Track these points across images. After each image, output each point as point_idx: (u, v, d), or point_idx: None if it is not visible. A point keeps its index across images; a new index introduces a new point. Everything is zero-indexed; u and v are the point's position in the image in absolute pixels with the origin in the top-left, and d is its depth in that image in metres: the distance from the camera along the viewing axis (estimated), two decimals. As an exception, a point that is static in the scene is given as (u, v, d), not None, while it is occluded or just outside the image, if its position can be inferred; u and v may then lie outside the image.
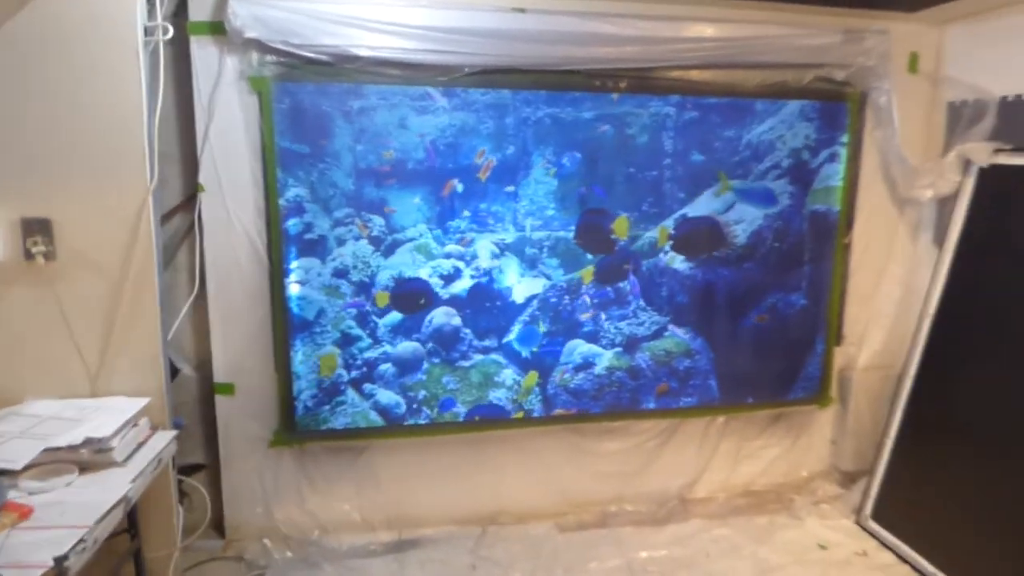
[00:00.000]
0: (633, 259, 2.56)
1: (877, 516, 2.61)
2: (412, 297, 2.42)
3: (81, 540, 1.28)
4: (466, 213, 2.41)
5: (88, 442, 1.52)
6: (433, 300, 2.44)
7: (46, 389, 1.74)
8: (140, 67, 1.67)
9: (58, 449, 1.50)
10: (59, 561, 1.21)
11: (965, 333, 2.42)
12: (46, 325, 1.72)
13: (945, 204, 2.61)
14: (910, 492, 2.52)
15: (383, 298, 2.40)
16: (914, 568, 2.39)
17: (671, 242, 2.58)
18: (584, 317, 2.55)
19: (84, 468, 1.54)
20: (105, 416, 1.64)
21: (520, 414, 2.57)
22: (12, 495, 1.39)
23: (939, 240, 2.59)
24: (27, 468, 1.46)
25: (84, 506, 1.40)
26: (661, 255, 2.58)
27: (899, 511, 2.54)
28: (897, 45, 2.57)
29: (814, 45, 2.48)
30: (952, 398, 2.42)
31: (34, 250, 1.66)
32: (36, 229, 1.66)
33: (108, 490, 1.47)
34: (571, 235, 2.49)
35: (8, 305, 1.70)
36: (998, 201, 2.37)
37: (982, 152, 2.39)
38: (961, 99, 2.56)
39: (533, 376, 2.56)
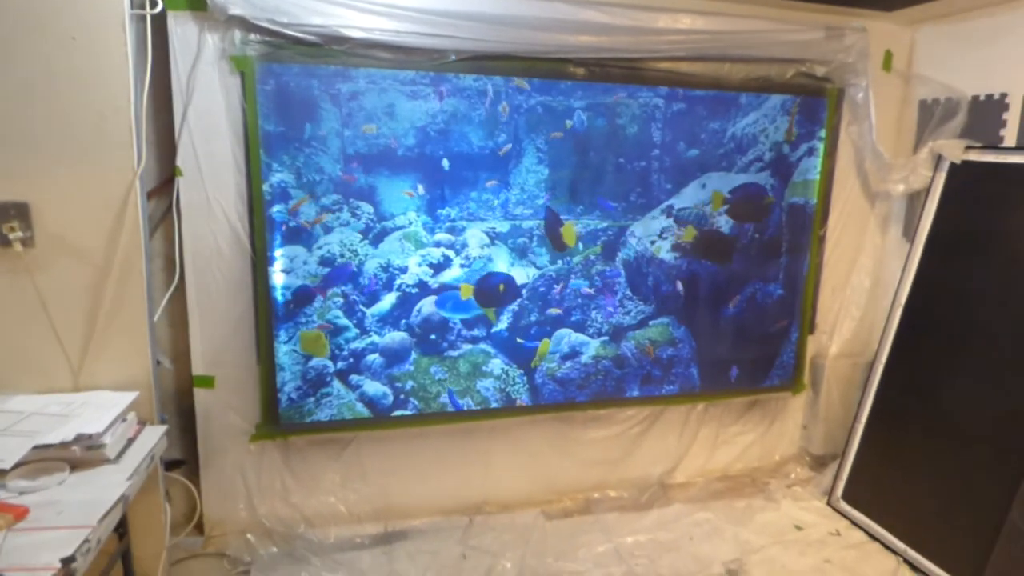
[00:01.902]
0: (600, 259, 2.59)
1: (848, 497, 2.73)
2: (494, 289, 2.43)
3: (86, 540, 1.22)
4: (455, 201, 2.38)
5: (80, 438, 1.45)
6: (514, 290, 2.49)
7: (26, 384, 1.63)
8: (127, 41, 1.57)
9: (49, 446, 1.42)
10: (66, 562, 1.16)
11: (933, 324, 2.54)
12: (24, 316, 1.61)
13: (915, 199, 2.72)
14: (878, 474, 2.64)
15: (467, 290, 2.42)
16: (884, 545, 2.52)
17: (727, 207, 2.64)
18: (555, 311, 2.57)
19: (75, 466, 1.46)
20: (92, 411, 1.55)
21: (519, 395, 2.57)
22: (1, 495, 1.31)
23: (908, 233, 2.71)
24: (15, 467, 1.37)
25: (82, 505, 1.33)
26: (715, 217, 2.66)
27: (868, 492, 2.66)
28: (872, 43, 2.66)
29: (798, 40, 2.54)
30: (919, 386, 2.54)
31: (11, 236, 1.54)
32: (13, 214, 1.55)
33: (104, 488, 1.40)
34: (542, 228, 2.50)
35: (-18, 295, 1.59)
36: (968, 196, 2.48)
37: (954, 149, 2.50)
38: (933, 97, 2.67)
39: (547, 344, 2.57)
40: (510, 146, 2.39)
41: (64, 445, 1.45)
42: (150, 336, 1.77)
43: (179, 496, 2.31)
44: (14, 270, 1.59)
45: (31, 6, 1.51)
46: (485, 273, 2.46)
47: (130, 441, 1.62)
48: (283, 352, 2.30)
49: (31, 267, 1.60)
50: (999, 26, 2.42)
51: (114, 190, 1.64)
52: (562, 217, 2.50)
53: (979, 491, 2.25)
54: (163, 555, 1.82)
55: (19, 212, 1.56)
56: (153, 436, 1.69)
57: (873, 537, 2.57)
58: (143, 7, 1.69)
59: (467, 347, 2.50)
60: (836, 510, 2.75)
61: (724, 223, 2.69)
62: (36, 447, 1.43)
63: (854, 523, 2.66)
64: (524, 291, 2.52)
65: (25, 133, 1.55)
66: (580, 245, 2.54)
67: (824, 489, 2.85)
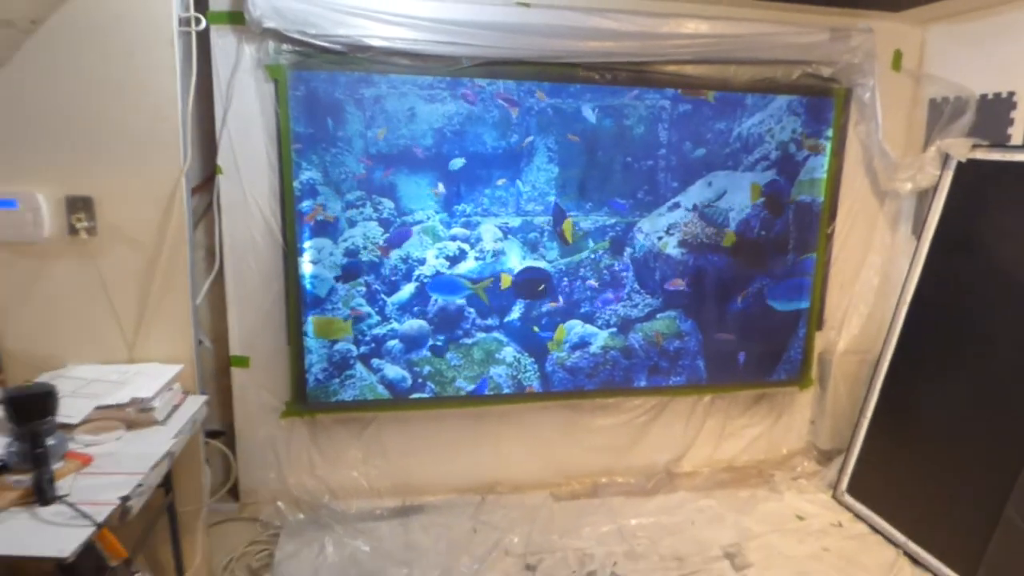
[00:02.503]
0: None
1: (852, 490, 2.79)
2: (533, 284, 2.62)
3: (139, 484, 1.46)
4: (470, 198, 2.54)
5: (134, 401, 1.68)
6: (551, 287, 2.66)
7: (87, 355, 1.89)
8: (175, 56, 1.80)
9: (108, 407, 1.66)
10: (124, 500, 1.40)
11: (938, 321, 2.58)
12: (88, 296, 1.86)
13: (924, 197, 2.76)
14: (884, 468, 2.69)
15: (507, 280, 2.60)
16: (886, 537, 2.57)
17: (763, 199, 2.77)
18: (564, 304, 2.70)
19: (129, 425, 1.69)
20: (144, 379, 1.79)
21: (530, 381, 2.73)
22: (71, 446, 1.55)
23: (917, 231, 2.75)
24: (82, 423, 1.62)
25: (136, 456, 1.56)
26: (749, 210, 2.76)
27: (873, 486, 2.71)
28: (881, 43, 2.71)
29: (802, 43, 2.61)
30: (924, 382, 2.58)
31: (78, 226, 1.79)
32: (80, 206, 1.80)
33: (154, 444, 1.64)
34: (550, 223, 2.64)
35: (54, 277, 1.84)
36: (974, 195, 2.51)
37: (961, 147, 2.53)
38: (942, 96, 2.71)
39: (562, 331, 2.71)
40: (523, 144, 2.54)
41: (120, 407, 1.69)
42: (193, 317, 2.00)
43: (216, 464, 2.55)
44: (81, 255, 1.84)
45: (93, 27, 1.75)
46: (525, 267, 2.62)
47: (175, 407, 1.85)
48: (310, 336, 2.51)
49: (94, 253, 1.85)
50: (1007, 25, 2.45)
51: (163, 186, 1.87)
52: (566, 213, 2.63)
53: (979, 486, 2.29)
54: (202, 511, 2.04)
55: (85, 205, 1.80)
56: (195, 404, 1.92)
57: (875, 530, 2.62)
58: (189, 24, 1.91)
59: (481, 335, 2.67)
60: (840, 503, 2.81)
61: (731, 220, 2.78)
62: (98, 407, 1.67)
63: (857, 516, 2.71)
64: (517, 282, 2.65)
65: (90, 137, 1.80)
66: (589, 241, 2.68)
67: (829, 482, 2.91)
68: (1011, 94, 2.44)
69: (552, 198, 2.61)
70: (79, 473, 1.48)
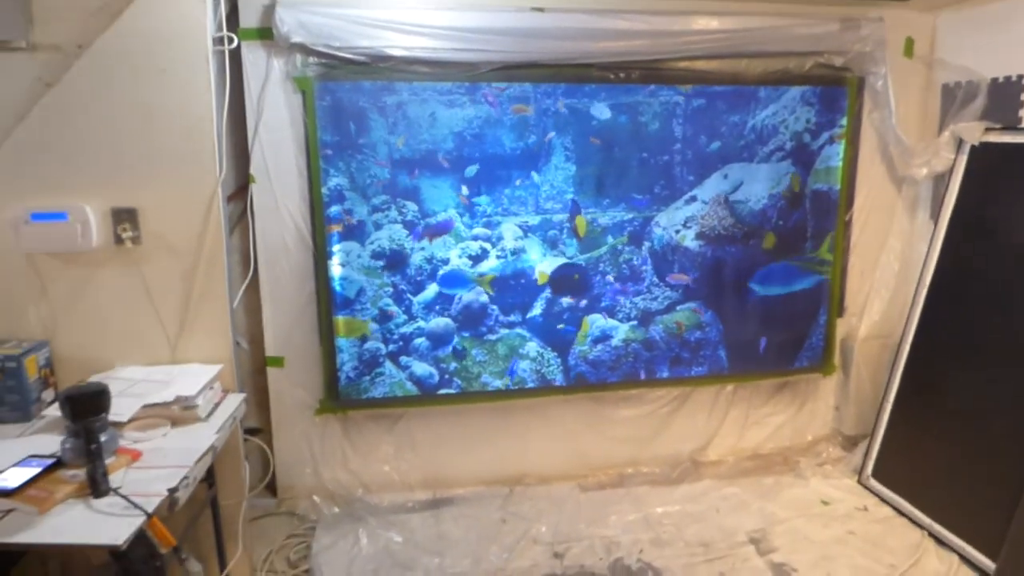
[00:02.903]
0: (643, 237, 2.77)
1: (877, 475, 2.81)
2: (568, 279, 2.71)
3: (185, 477, 1.55)
4: (491, 198, 2.62)
5: (178, 400, 1.79)
6: (586, 281, 2.75)
7: (133, 356, 2.00)
8: (210, 73, 1.91)
9: (154, 405, 1.76)
10: (171, 491, 1.49)
11: (956, 303, 2.59)
12: (133, 301, 1.97)
13: (941, 181, 2.77)
14: (908, 452, 2.71)
15: (543, 276, 2.70)
16: (911, 520, 2.59)
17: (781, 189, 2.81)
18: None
19: (174, 422, 1.80)
20: (187, 379, 1.89)
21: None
22: (121, 442, 1.65)
23: (936, 215, 2.76)
24: (130, 421, 1.72)
25: (181, 451, 1.66)
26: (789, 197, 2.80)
27: (897, 469, 2.73)
28: (893, 31, 2.73)
29: (813, 34, 2.65)
30: (945, 365, 2.60)
31: (123, 236, 1.91)
32: (125, 217, 1.91)
33: (198, 440, 1.73)
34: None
35: (102, 284, 1.96)
36: (988, 177, 2.53)
37: (974, 131, 2.55)
38: (954, 81, 2.72)
39: (586, 324, 2.79)
40: (541, 144, 2.61)
41: (166, 405, 1.79)
42: (231, 319, 2.10)
43: (255, 461, 2.66)
44: (126, 263, 1.96)
45: (134, 51, 1.87)
46: (562, 263, 2.71)
47: (216, 405, 1.95)
48: (341, 335, 2.61)
49: (139, 261, 1.96)
50: (1015, 9, 2.47)
51: (201, 196, 1.97)
52: (582, 209, 2.69)
53: (1001, 466, 2.30)
54: (243, 505, 2.14)
55: (130, 216, 1.92)
56: (234, 402, 2.02)
57: (901, 513, 2.64)
58: (222, 43, 2.02)
59: (504, 331, 2.74)
60: (865, 487, 2.83)
61: (748, 210, 2.82)
62: (145, 406, 1.77)
63: (883, 500, 2.73)
64: (554, 278, 2.73)
65: (133, 152, 1.92)
66: (608, 237, 2.74)
67: (854, 468, 2.93)
68: (1020, 77, 2.45)
69: (570, 196, 2.68)
70: (129, 468, 1.58)
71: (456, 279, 2.65)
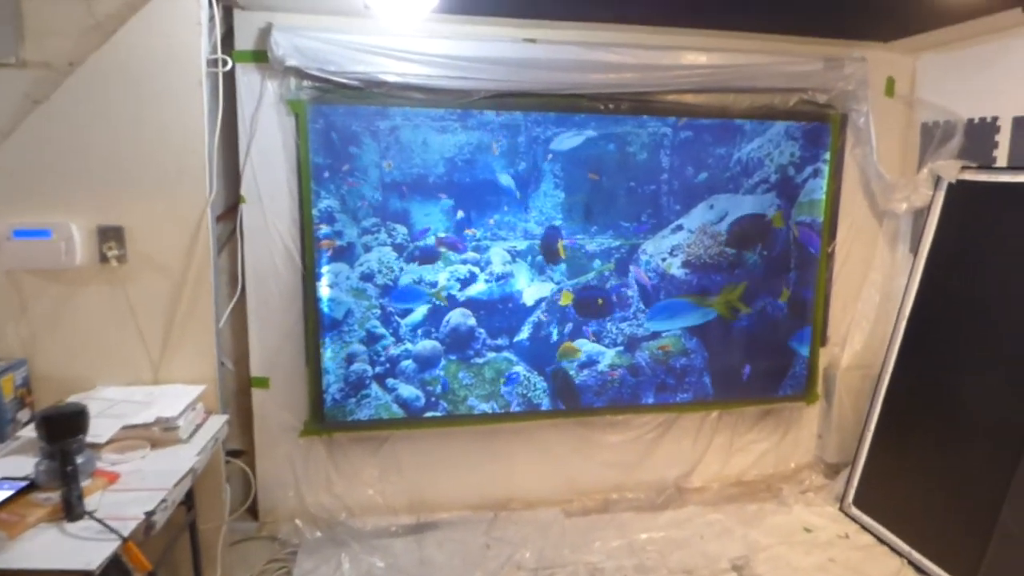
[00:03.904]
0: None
1: (858, 502, 2.83)
2: (592, 300, 2.75)
3: (163, 500, 1.53)
4: (480, 223, 2.64)
5: (159, 421, 1.77)
6: (609, 304, 2.79)
7: (115, 376, 1.98)
8: (203, 95, 1.92)
9: (134, 426, 1.74)
10: (148, 515, 1.47)
11: (934, 335, 2.65)
12: (116, 320, 1.96)
13: (921, 216, 2.84)
14: (887, 480, 2.74)
15: (567, 297, 2.72)
16: (891, 548, 2.61)
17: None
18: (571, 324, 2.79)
19: (154, 444, 1.77)
20: (169, 400, 1.87)
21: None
22: (99, 464, 1.62)
23: (915, 249, 2.83)
24: (109, 442, 1.70)
25: (160, 474, 1.64)
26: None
27: (878, 497, 2.76)
28: (875, 71, 2.82)
29: (798, 71, 2.72)
30: (923, 395, 2.64)
31: (109, 254, 1.90)
32: (111, 235, 1.91)
33: (178, 462, 1.71)
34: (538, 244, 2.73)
35: (85, 303, 1.94)
36: (965, 214, 2.60)
37: (950, 169, 2.63)
38: (933, 120, 2.81)
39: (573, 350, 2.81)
40: (530, 172, 2.64)
41: (146, 426, 1.77)
42: (216, 340, 2.09)
43: (236, 483, 2.62)
44: (111, 282, 1.94)
45: (127, 70, 1.88)
46: (583, 286, 2.75)
47: (198, 426, 1.93)
48: (328, 357, 2.60)
49: (124, 280, 1.95)
50: (991, 53, 2.56)
51: (190, 216, 1.98)
52: (563, 235, 2.72)
53: (976, 493, 2.34)
54: (223, 529, 2.11)
55: (116, 235, 1.91)
56: (217, 423, 2.00)
57: (881, 540, 2.66)
58: (217, 65, 2.04)
59: (491, 355, 2.75)
60: (847, 515, 2.85)
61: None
62: (124, 427, 1.75)
63: (864, 527, 2.75)
64: (543, 304, 2.75)
65: (122, 170, 1.92)
66: (596, 262, 2.76)
67: (836, 495, 2.95)
68: (995, 119, 2.54)
69: (559, 222, 2.70)
70: (106, 490, 1.55)
71: (411, 293, 2.65)
